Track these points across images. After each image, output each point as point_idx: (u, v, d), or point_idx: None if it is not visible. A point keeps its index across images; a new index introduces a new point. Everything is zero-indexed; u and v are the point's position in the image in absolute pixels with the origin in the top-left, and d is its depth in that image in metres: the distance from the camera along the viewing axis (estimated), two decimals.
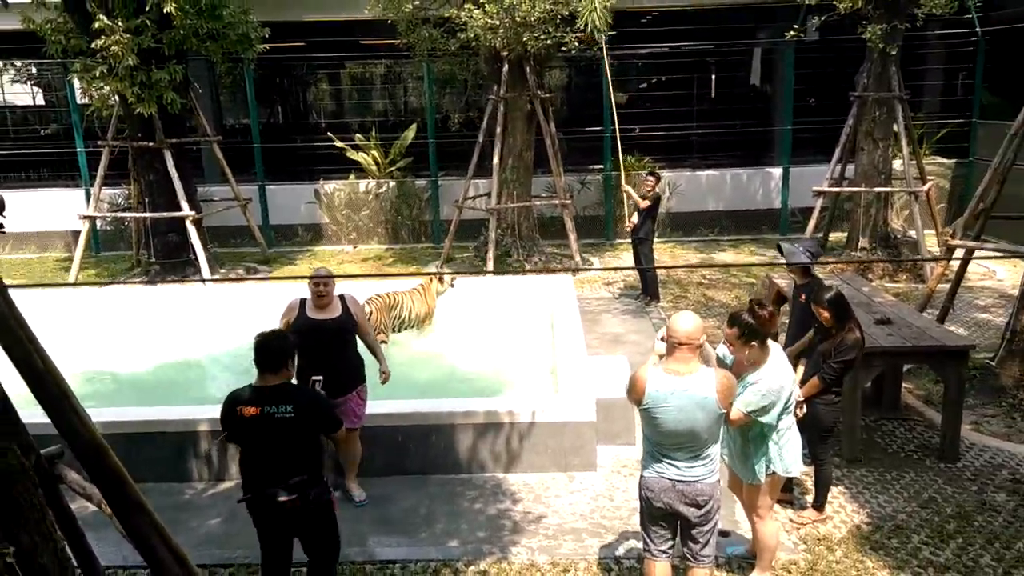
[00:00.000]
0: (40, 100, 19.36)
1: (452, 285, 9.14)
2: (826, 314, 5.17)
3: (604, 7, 9.60)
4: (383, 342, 8.32)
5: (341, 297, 5.59)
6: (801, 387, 5.17)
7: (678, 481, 3.99)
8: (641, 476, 4.15)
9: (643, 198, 10.03)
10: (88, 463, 2.69)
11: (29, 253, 15.04)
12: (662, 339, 4.10)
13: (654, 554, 4.18)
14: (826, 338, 5.25)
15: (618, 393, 6.52)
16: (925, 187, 12.17)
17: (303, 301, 5.49)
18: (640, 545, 4.25)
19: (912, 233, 12.04)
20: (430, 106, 14.76)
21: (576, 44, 11.46)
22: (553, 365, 7.34)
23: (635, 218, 10.16)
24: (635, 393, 3.98)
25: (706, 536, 4.11)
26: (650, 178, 10.18)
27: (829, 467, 5.34)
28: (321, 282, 5.38)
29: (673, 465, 3.99)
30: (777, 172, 15.02)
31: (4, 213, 7.27)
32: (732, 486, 4.93)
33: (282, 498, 3.97)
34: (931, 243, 12.52)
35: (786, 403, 4.42)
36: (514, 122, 12.43)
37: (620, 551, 5.04)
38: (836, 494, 5.65)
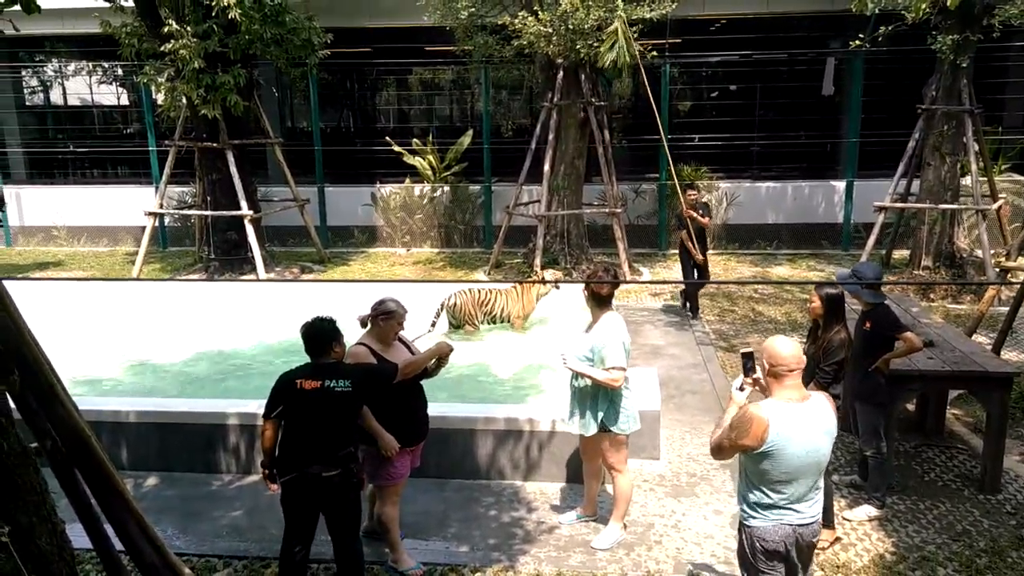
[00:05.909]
0: (124, 101, 20.33)
1: (556, 287, 9.47)
2: (816, 303, 5.16)
3: (628, 44, 9.71)
4: (472, 331, 9.23)
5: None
6: None
7: (799, 525, 3.65)
8: (749, 526, 3.70)
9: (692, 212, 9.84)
10: (72, 451, 2.81)
11: (101, 247, 15.76)
12: (740, 388, 3.78)
13: None
14: (815, 341, 5.20)
15: (645, 406, 6.45)
16: (995, 205, 11.61)
17: (367, 346, 4.74)
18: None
19: (979, 253, 11.50)
20: (486, 112, 14.88)
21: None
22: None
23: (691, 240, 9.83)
24: (754, 438, 3.49)
25: (811, 568, 3.93)
26: (692, 192, 10.17)
27: (829, 480, 5.17)
28: (404, 314, 4.86)
29: (792, 508, 3.63)
30: (841, 185, 14.60)
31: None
32: (585, 450, 5.34)
33: (327, 473, 4.16)
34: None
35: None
36: (567, 129, 12.41)
37: (628, 567, 4.97)
38: (863, 521, 5.45)
